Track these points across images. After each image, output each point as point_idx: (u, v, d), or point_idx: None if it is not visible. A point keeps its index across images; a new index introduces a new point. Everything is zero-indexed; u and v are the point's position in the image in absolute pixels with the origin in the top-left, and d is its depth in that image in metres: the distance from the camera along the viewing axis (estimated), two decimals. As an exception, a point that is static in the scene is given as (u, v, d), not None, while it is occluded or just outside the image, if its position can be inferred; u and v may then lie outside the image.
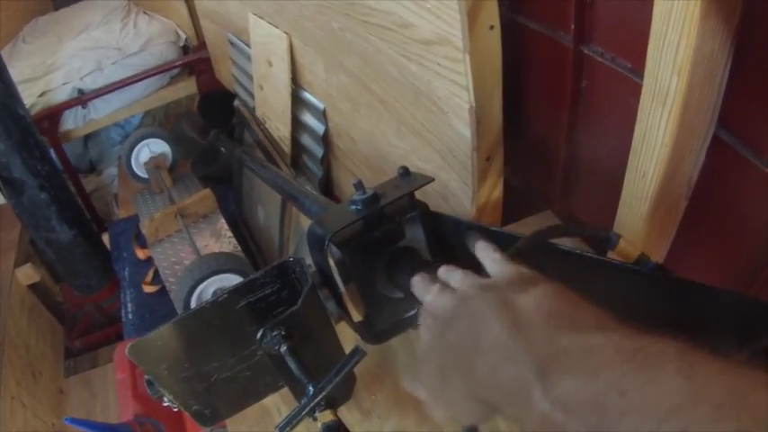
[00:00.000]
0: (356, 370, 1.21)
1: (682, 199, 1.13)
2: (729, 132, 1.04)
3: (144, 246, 2.99)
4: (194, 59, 3.92)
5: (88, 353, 3.68)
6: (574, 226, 0.94)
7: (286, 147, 2.45)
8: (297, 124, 2.40)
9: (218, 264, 2.26)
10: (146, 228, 2.81)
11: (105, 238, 3.37)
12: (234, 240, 2.77)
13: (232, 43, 3.01)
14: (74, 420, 2.22)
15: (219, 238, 2.81)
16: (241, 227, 3.11)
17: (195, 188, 3.18)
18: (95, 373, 3.50)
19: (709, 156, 1.07)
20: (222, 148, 2.92)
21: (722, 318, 0.75)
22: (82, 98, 3.74)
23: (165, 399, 1.12)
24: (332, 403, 1.03)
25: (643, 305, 0.84)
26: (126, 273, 2.98)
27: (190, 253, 2.72)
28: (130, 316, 2.76)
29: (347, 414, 1.21)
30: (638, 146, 1.07)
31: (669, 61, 0.93)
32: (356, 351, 0.98)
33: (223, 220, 2.88)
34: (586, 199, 1.44)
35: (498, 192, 1.49)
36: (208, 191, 2.90)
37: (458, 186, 1.49)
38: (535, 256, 0.94)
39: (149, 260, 2.92)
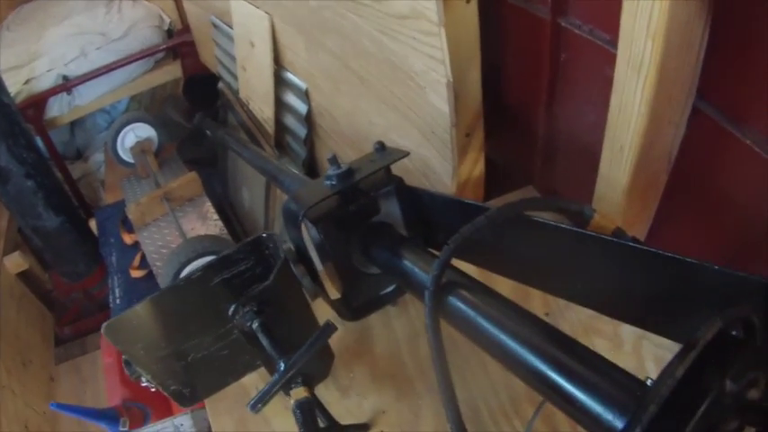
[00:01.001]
0: (334, 348, 1.21)
1: (662, 173, 1.12)
2: (709, 104, 1.02)
3: (131, 231, 2.97)
4: (178, 43, 3.89)
5: (78, 339, 3.67)
6: (548, 199, 0.93)
7: (270, 128, 2.44)
8: (280, 105, 2.39)
9: (204, 246, 2.24)
10: (132, 212, 2.80)
11: (93, 224, 3.35)
12: (220, 223, 2.75)
13: (215, 25, 2.99)
14: (60, 406, 2.22)
15: (206, 221, 2.79)
16: (227, 209, 3.10)
17: (181, 172, 3.16)
18: (85, 360, 3.49)
19: (689, 128, 1.06)
20: (207, 131, 2.90)
21: (703, 292, 0.73)
22: (67, 84, 3.71)
23: (143, 379, 1.11)
24: (308, 380, 1.02)
25: (621, 279, 0.83)
26: (113, 258, 2.96)
27: (176, 236, 2.70)
28: (118, 301, 2.74)
29: (325, 392, 1.20)
30: (615, 117, 1.06)
31: (643, 27, 0.92)
32: (327, 326, 0.97)
33: (209, 203, 2.86)
34: (567, 174, 1.43)
35: (480, 168, 1.48)
36: (193, 174, 2.88)
37: (438, 163, 1.48)
38: (512, 229, 0.93)
39: (136, 245, 2.90)
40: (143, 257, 2.80)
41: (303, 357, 0.94)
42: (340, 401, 1.21)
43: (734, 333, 0.58)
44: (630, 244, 0.80)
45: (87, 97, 3.84)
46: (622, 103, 1.03)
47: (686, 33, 0.92)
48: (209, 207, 2.87)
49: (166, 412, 2.25)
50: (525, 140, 1.52)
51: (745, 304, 0.59)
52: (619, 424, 0.57)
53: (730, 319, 0.55)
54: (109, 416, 2.23)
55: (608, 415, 0.59)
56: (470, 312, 0.82)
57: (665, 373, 0.52)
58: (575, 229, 0.86)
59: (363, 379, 1.23)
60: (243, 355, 1.16)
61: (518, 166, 1.63)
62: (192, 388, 1.16)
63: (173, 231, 2.76)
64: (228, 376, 1.20)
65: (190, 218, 2.85)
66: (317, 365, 1.15)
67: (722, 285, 0.70)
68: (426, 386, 1.19)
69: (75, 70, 3.74)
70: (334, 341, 1.21)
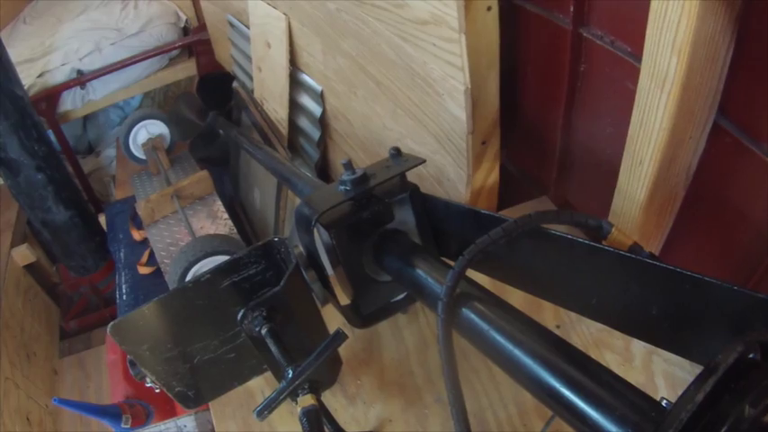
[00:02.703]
0: (342, 354, 1.20)
1: (680, 188, 1.11)
2: (729, 120, 1.01)
3: (140, 227, 2.97)
4: (194, 41, 3.90)
5: (83, 334, 3.66)
6: (567, 213, 0.91)
7: (283, 129, 2.43)
8: (294, 106, 2.38)
9: (213, 245, 2.24)
10: (142, 209, 2.79)
11: (102, 219, 3.35)
12: (230, 222, 2.75)
13: (232, 24, 2.99)
14: (62, 401, 2.21)
15: (215, 220, 2.78)
16: (237, 209, 3.10)
17: (193, 170, 3.16)
18: (89, 354, 3.49)
19: (708, 143, 1.05)
20: (220, 130, 2.90)
21: (717, 311, 0.72)
22: (80, 79, 3.71)
23: (148, 379, 1.10)
24: (315, 387, 1.00)
25: (636, 294, 0.81)
26: (122, 254, 2.96)
27: (185, 234, 2.69)
28: (125, 297, 2.74)
29: (332, 399, 1.19)
30: (636, 131, 1.04)
31: (668, 41, 0.90)
32: (338, 334, 0.96)
33: (219, 202, 2.85)
34: (582, 186, 1.42)
35: (494, 177, 1.47)
36: (205, 172, 2.88)
37: (453, 170, 1.46)
38: (528, 241, 0.92)
39: (145, 241, 2.89)
40: (151, 254, 2.80)
41: (312, 366, 0.93)
42: (346, 409, 1.20)
43: (752, 356, 0.56)
44: (647, 260, 0.79)
45: (101, 92, 3.85)
46: (644, 118, 1.01)
47: (711, 49, 0.91)
48: (219, 206, 2.87)
49: (170, 412, 2.24)
50: (542, 150, 1.51)
51: (765, 327, 0.58)
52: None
53: (751, 343, 0.53)
54: (111, 413, 2.22)
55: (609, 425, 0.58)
56: (483, 325, 0.80)
57: (685, 396, 0.50)
58: (591, 243, 0.84)
59: (371, 387, 1.22)
60: (249, 359, 1.15)
61: (533, 176, 1.62)
62: (197, 390, 1.15)
63: (182, 229, 2.76)
64: (234, 380, 1.18)
65: (199, 216, 2.84)
66: (324, 372, 1.14)
67: (738, 305, 0.69)
68: (434, 396, 1.18)
69: (89, 65, 3.74)
70: (342, 348, 1.19)
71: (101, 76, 3.75)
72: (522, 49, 1.45)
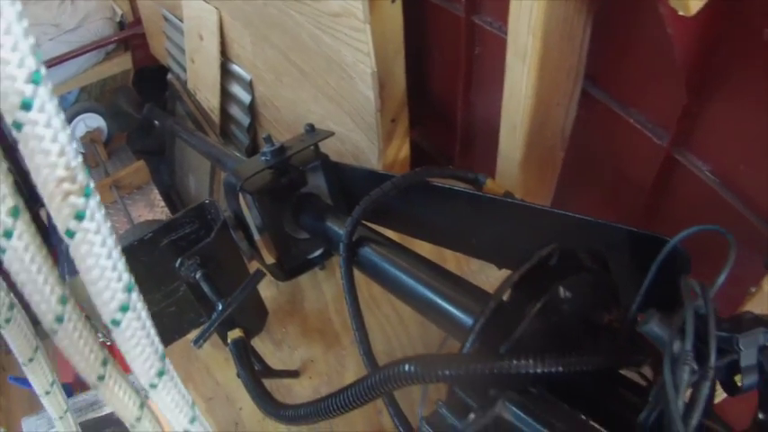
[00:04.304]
0: (269, 306, 1.36)
1: (557, 149, 1.29)
2: (599, 88, 1.20)
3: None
4: (130, 35, 3.96)
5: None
6: (446, 169, 1.10)
7: (215, 117, 2.57)
8: (225, 95, 2.52)
9: (150, 230, 2.36)
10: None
11: (44, 213, 3.41)
12: (167, 210, 2.87)
13: (166, 19, 3.09)
14: (16, 379, 2.31)
15: (153, 208, 2.91)
16: (174, 196, 3.21)
17: (130, 161, 3.27)
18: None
19: (581, 110, 1.23)
20: (156, 121, 3.01)
21: (576, 239, 0.88)
22: (18, 74, 3.76)
23: (99, 334, 1.24)
24: (245, 333, 1.17)
25: (507, 231, 0.98)
26: (64, 246, 3.03)
27: (125, 223, 2.81)
28: (68, 280, 2.83)
29: (261, 344, 1.35)
30: (508, 100, 1.23)
31: (525, 23, 1.08)
32: (258, 272, 1.12)
33: (156, 191, 2.98)
34: (483, 155, 1.60)
35: (405, 152, 1.64)
36: (141, 162, 3.00)
37: (367, 146, 1.63)
38: (421, 195, 1.09)
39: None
40: (93, 243, 2.90)
41: (238, 298, 1.09)
42: (274, 353, 1.35)
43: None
44: (514, 201, 0.97)
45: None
46: (513, 88, 1.19)
47: (566, 28, 1.09)
48: (156, 194, 2.99)
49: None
50: (447, 126, 1.68)
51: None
52: (470, 321, 0.74)
53: (560, 248, 0.71)
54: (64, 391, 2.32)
55: (466, 318, 0.76)
56: (377, 259, 0.98)
57: (505, 281, 0.68)
58: (471, 191, 1.02)
59: (295, 333, 1.38)
60: (188, 313, 1.29)
61: (441, 150, 1.79)
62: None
63: (121, 218, 2.87)
64: (175, 333, 1.32)
65: (138, 205, 2.96)
66: (252, 320, 1.30)
67: (588, 232, 0.86)
68: (350, 339, 1.34)
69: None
70: (268, 300, 1.37)
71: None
72: (425, 36, 1.62)
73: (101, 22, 3.96)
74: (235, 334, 1.11)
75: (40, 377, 0.68)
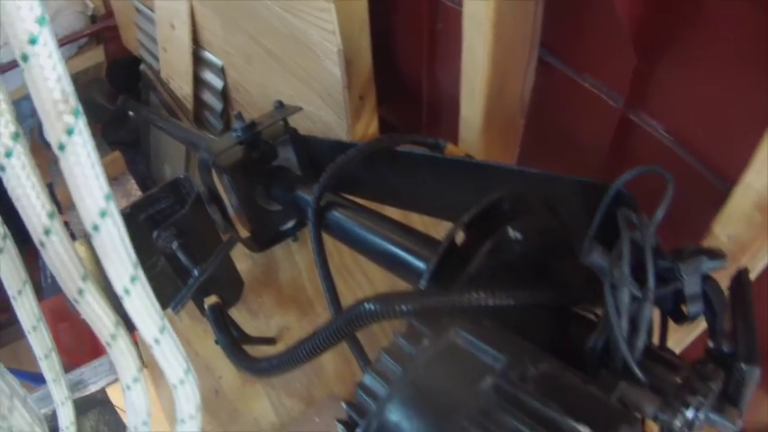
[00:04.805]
0: (244, 278, 1.41)
1: (517, 115, 1.34)
2: (555, 56, 1.25)
3: (60, 212, 3.09)
4: (102, 28, 3.97)
5: (14, 325, 3.72)
6: (408, 135, 1.15)
7: (189, 104, 2.60)
8: (198, 82, 2.55)
9: (128, 205, 2.39)
10: (59, 194, 2.92)
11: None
12: (144, 199, 2.89)
13: (138, 10, 3.11)
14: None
15: (130, 198, 2.92)
16: (150, 186, 3.24)
17: (106, 153, 3.28)
18: (21, 345, 3.56)
19: (539, 77, 1.28)
20: (130, 112, 3.04)
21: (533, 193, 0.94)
22: (-9, 71, 3.78)
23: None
24: (222, 303, 1.22)
25: (467, 190, 1.03)
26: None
27: (103, 213, 2.83)
28: (49, 280, 2.85)
29: (237, 314, 1.39)
30: (467, 68, 1.28)
31: (478, -9, 1.14)
32: (231, 239, 1.17)
33: (133, 181, 3.00)
34: (448, 127, 1.64)
35: (374, 128, 1.69)
36: (117, 153, 3.02)
37: (336, 124, 1.68)
38: (386, 162, 1.14)
39: (66, 225, 3.01)
40: (72, 236, 2.92)
41: (213, 263, 1.14)
42: (250, 322, 1.40)
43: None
44: (472, 160, 1.02)
45: (12, 85, 3.81)
46: (470, 57, 1.24)
47: (518, -2, 1.14)
48: (133, 185, 3.00)
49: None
50: (413, 101, 1.73)
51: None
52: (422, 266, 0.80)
53: (511, 194, 0.76)
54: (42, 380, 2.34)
55: (420, 264, 0.81)
56: (343, 221, 1.03)
57: (456, 224, 0.73)
58: (432, 154, 1.07)
59: (270, 303, 1.43)
60: (167, 287, 1.33)
61: (408, 124, 1.84)
62: (123, 319, 1.33)
63: (99, 209, 2.89)
64: (154, 307, 1.37)
65: (115, 196, 2.94)
66: (229, 291, 1.35)
67: (548, 186, 0.91)
68: (323, 306, 1.40)
69: (2, 57, 3.81)
70: (244, 272, 1.41)
71: (12, 68, 3.81)
72: (390, 13, 1.67)
73: (73, 16, 3.97)
74: (211, 300, 1.16)
75: (27, 311, 0.74)
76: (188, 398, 0.78)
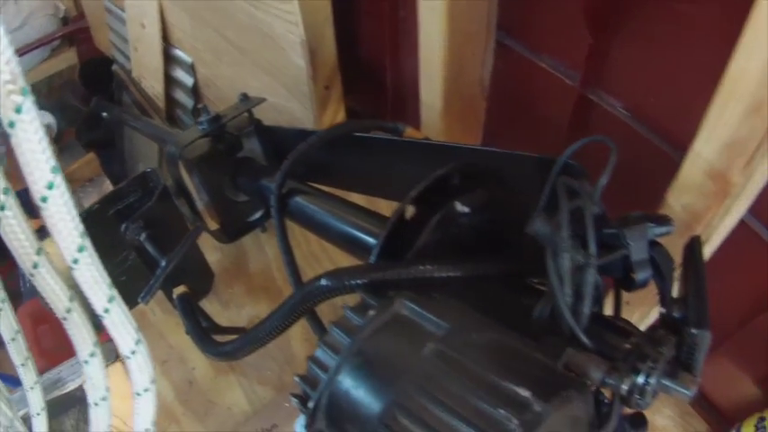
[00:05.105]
0: (215, 269, 1.42)
1: (478, 98, 1.36)
2: (513, 38, 1.27)
3: (36, 216, 3.08)
4: (74, 30, 3.96)
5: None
6: (367, 120, 1.17)
7: (161, 102, 2.61)
8: (169, 80, 2.56)
9: (97, 201, 2.40)
10: (35, 198, 2.92)
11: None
12: (119, 200, 2.89)
13: (109, 10, 3.11)
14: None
15: (105, 199, 2.93)
16: (126, 187, 3.24)
17: (81, 155, 3.28)
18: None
19: (498, 60, 1.30)
20: (104, 112, 3.03)
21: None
22: (-36, 77, 3.76)
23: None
24: (193, 295, 1.23)
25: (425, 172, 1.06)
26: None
27: (79, 215, 2.83)
28: (28, 285, 2.85)
29: (209, 305, 1.41)
30: (425, 53, 1.29)
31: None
32: (197, 228, 1.19)
33: (108, 182, 2.99)
34: (413, 114, 1.66)
35: (341, 117, 1.71)
36: (91, 155, 3.02)
37: (303, 115, 1.69)
38: (348, 148, 1.16)
39: (43, 228, 3.01)
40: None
41: (179, 252, 1.16)
42: (222, 313, 1.42)
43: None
44: (430, 141, 1.04)
45: None
46: (428, 41, 1.26)
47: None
48: (108, 185, 3.00)
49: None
50: (378, 90, 1.74)
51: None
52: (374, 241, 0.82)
53: (454, 169, 0.78)
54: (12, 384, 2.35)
55: (372, 240, 0.83)
56: (304, 206, 1.05)
57: (405, 199, 0.75)
58: (391, 138, 1.09)
59: (240, 293, 1.45)
60: (139, 281, 1.34)
61: (374, 112, 1.85)
62: (95, 316, 1.35)
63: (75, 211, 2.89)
64: (126, 302, 1.38)
65: (90, 197, 2.98)
66: (200, 282, 1.36)
67: (504, 163, 0.92)
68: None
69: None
70: (214, 264, 1.43)
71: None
72: (353, 3, 1.68)
73: (44, 19, 3.96)
74: (179, 290, 1.17)
75: (6, 326, 0.81)
76: (140, 369, 0.81)
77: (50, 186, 0.59)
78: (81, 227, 0.65)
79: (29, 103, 0.54)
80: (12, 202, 0.62)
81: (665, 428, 1.44)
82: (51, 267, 0.68)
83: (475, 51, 1.26)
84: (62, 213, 0.62)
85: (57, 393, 1.79)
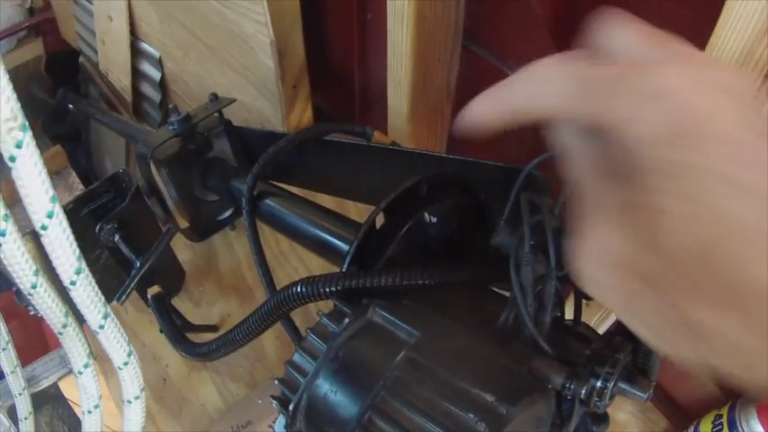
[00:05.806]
0: (186, 268, 1.44)
1: (444, 103, 1.39)
2: (479, 44, 1.30)
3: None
4: (40, 20, 3.93)
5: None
6: (336, 124, 1.20)
7: (128, 96, 2.61)
8: (136, 74, 2.56)
9: (70, 201, 2.41)
10: (3, 192, 2.90)
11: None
12: (86, 192, 2.89)
13: (76, 2, 3.09)
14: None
15: (72, 192, 2.93)
16: (92, 179, 3.23)
17: (47, 148, 3.27)
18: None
19: (464, 66, 1.33)
20: (70, 105, 3.03)
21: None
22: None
23: (31, 308, 1.31)
24: (166, 294, 1.25)
25: (395, 178, 1.08)
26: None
27: (46, 207, 2.83)
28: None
29: (180, 304, 1.43)
30: (391, 58, 1.32)
31: (399, -18, 1.18)
32: (170, 229, 1.21)
33: (74, 175, 3.00)
34: (380, 114, 1.68)
35: (308, 116, 1.73)
36: (57, 147, 3.01)
37: (271, 114, 1.72)
38: (316, 150, 1.19)
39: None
40: (19, 231, 2.92)
41: (154, 253, 1.18)
42: (193, 311, 1.45)
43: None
44: (397, 147, 1.07)
45: None
46: (394, 47, 1.29)
47: (440, -9, 1.19)
48: (74, 178, 3.00)
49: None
50: (346, 90, 1.78)
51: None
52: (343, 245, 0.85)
53: (425, 178, 0.81)
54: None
55: (341, 244, 0.87)
56: (276, 209, 1.08)
57: (374, 209, 0.78)
58: (359, 143, 1.12)
59: (211, 291, 1.47)
60: (112, 280, 1.36)
61: (341, 112, 1.89)
62: (72, 312, 1.37)
63: (42, 202, 2.88)
64: (99, 301, 1.41)
65: (57, 190, 2.91)
66: (171, 281, 1.39)
67: (470, 171, 0.96)
68: (262, 293, 1.43)
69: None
70: (185, 262, 1.45)
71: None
72: (321, 4, 1.71)
73: (11, 9, 3.92)
74: (154, 290, 1.20)
75: None
76: (132, 379, 0.88)
77: (50, 215, 0.66)
78: (78, 251, 0.72)
79: (28, 138, 0.59)
80: (11, 228, 0.66)
81: (626, 423, 1.49)
82: (48, 287, 0.74)
83: (441, 58, 1.30)
84: (61, 240, 0.69)
85: (31, 391, 1.79)
